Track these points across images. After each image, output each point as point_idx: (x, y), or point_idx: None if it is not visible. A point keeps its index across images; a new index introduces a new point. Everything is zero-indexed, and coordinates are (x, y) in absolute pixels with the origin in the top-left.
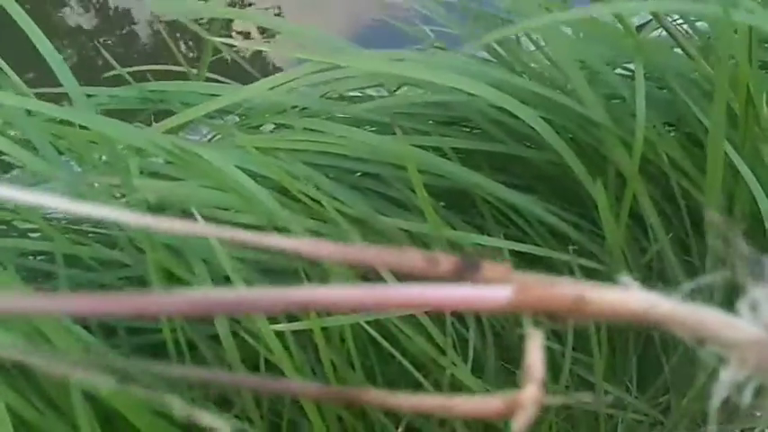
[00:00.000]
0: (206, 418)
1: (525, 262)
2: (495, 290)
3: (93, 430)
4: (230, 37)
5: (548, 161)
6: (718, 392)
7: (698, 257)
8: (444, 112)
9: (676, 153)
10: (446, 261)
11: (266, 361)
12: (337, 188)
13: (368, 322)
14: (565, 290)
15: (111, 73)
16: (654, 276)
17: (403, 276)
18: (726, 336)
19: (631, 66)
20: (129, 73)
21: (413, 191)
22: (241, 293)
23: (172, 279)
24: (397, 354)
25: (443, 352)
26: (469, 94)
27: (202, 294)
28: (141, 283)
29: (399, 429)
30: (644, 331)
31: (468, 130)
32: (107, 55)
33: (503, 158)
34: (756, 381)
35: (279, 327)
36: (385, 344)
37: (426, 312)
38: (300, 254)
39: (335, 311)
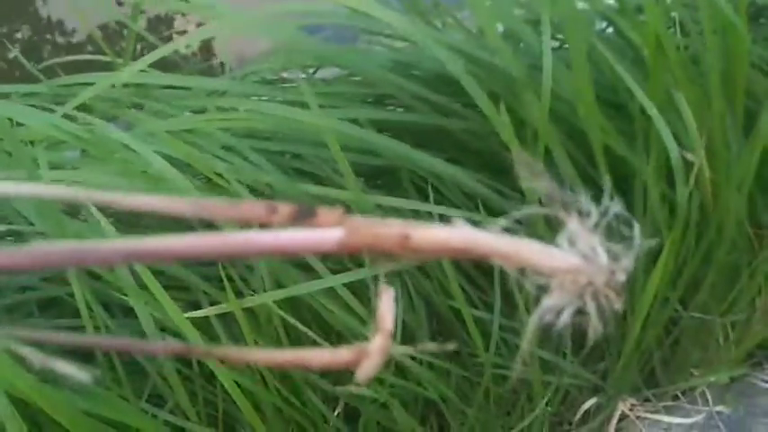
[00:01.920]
0: (64, 367)
1: None
2: (327, 232)
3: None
4: (169, 36)
5: (470, 132)
6: (539, 317)
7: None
8: (366, 91)
9: (592, 111)
10: (283, 209)
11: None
12: (257, 169)
13: (290, 300)
14: (391, 229)
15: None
16: None
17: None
18: (545, 265)
19: (559, 36)
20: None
21: (338, 172)
22: (76, 245)
23: (92, 276)
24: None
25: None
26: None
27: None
28: (62, 282)
29: (336, 412)
30: None
31: (390, 108)
32: (18, 53)
33: (426, 133)
34: (574, 305)
35: (199, 313)
36: (298, 325)
37: (348, 287)
38: (150, 210)
39: (174, 260)
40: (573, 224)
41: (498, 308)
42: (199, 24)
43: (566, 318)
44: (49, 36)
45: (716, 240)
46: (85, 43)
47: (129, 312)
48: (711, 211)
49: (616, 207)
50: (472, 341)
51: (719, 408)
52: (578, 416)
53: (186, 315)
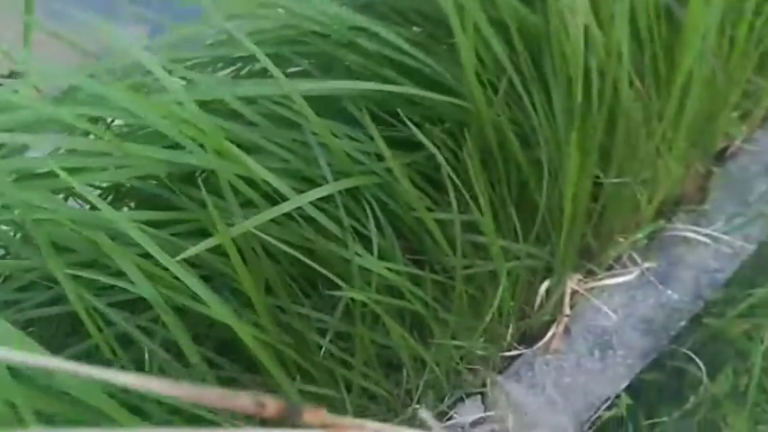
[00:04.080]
0: None
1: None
2: None
3: None
4: None
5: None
6: None
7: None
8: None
9: None
10: (272, 404)
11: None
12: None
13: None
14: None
15: None
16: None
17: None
18: None
19: None
20: None
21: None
22: None
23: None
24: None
25: (345, 245)
26: None
27: None
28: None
29: (328, 338)
30: (517, 174)
31: None
32: None
33: None
34: None
35: (189, 252)
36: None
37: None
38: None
39: None
40: None
41: (456, 207)
42: None
43: None
44: None
45: (615, 102)
46: None
47: None
48: (607, 73)
49: None
50: (440, 248)
51: (647, 264)
52: (537, 302)
53: (177, 258)
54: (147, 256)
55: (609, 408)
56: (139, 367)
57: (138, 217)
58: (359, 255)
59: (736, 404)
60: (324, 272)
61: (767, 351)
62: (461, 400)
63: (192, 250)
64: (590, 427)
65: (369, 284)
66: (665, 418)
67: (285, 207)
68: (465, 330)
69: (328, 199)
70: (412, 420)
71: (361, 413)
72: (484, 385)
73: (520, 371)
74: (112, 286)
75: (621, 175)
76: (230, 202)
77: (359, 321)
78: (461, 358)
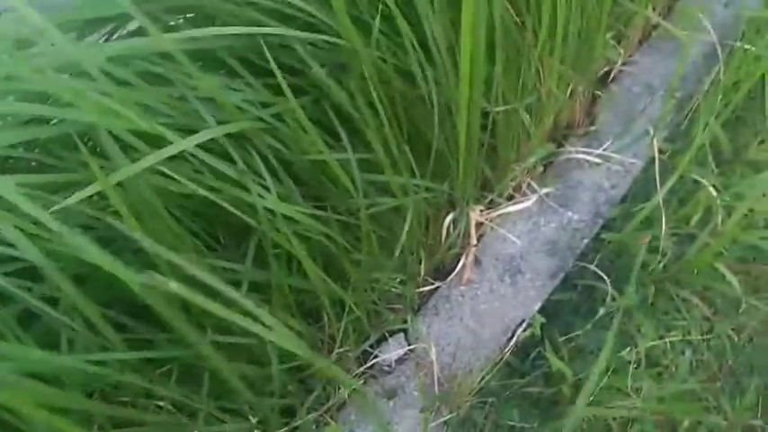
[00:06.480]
0: None
1: None
2: None
3: None
4: None
5: None
6: None
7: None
8: None
9: None
10: None
11: None
12: None
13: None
14: None
15: None
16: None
17: None
18: None
19: None
20: None
21: None
22: None
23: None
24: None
25: (247, 189)
26: None
27: None
28: None
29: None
30: (405, 112)
31: None
32: None
33: None
34: None
35: (69, 200)
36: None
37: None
38: None
39: None
40: None
41: (350, 147)
42: None
43: None
44: None
45: (490, 28)
46: None
47: None
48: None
49: None
50: (341, 189)
51: (546, 190)
52: (444, 236)
53: (54, 208)
54: (39, 224)
55: (525, 329)
56: (47, 343)
57: (20, 181)
58: (261, 196)
59: (647, 314)
60: (233, 210)
61: (669, 262)
62: (384, 339)
63: (71, 199)
64: (509, 350)
65: (276, 230)
66: (578, 332)
67: (169, 150)
68: (379, 269)
69: (222, 155)
70: (337, 363)
71: (286, 359)
72: (405, 322)
73: (437, 304)
74: (13, 258)
75: (507, 103)
76: (114, 154)
77: (273, 263)
78: (380, 298)
